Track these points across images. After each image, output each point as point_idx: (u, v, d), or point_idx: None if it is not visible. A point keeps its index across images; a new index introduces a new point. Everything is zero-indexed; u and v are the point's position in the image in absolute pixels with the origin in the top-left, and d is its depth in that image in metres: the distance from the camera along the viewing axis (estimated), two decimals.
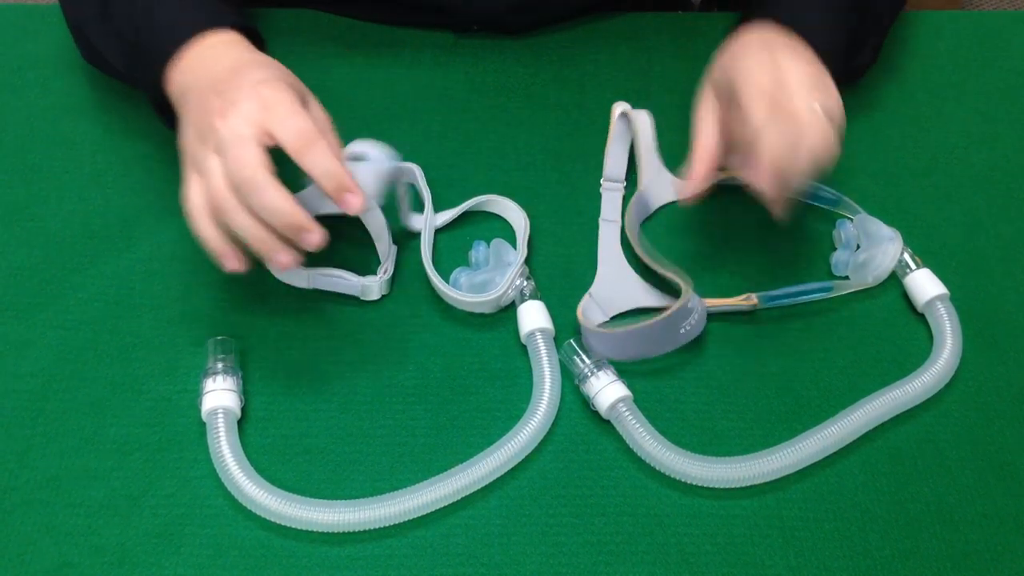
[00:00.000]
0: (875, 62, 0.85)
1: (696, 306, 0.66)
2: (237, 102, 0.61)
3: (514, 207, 0.74)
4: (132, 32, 0.72)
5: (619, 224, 0.74)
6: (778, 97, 0.65)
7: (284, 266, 0.61)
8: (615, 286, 0.70)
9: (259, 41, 0.73)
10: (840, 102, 0.67)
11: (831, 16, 0.76)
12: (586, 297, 0.69)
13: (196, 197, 0.62)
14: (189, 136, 0.64)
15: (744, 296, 0.69)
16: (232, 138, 0.60)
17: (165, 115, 0.71)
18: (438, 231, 0.74)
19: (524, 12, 0.87)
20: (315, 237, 0.60)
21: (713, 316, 0.70)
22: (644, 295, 0.70)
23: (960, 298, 0.71)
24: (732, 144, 0.69)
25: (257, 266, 0.72)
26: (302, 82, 0.67)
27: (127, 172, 0.78)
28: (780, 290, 0.70)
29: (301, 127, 0.60)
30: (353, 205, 0.62)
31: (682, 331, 0.66)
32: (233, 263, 0.61)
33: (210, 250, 0.61)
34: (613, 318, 0.69)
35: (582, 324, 0.67)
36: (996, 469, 0.64)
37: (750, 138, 0.64)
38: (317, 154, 0.60)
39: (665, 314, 0.65)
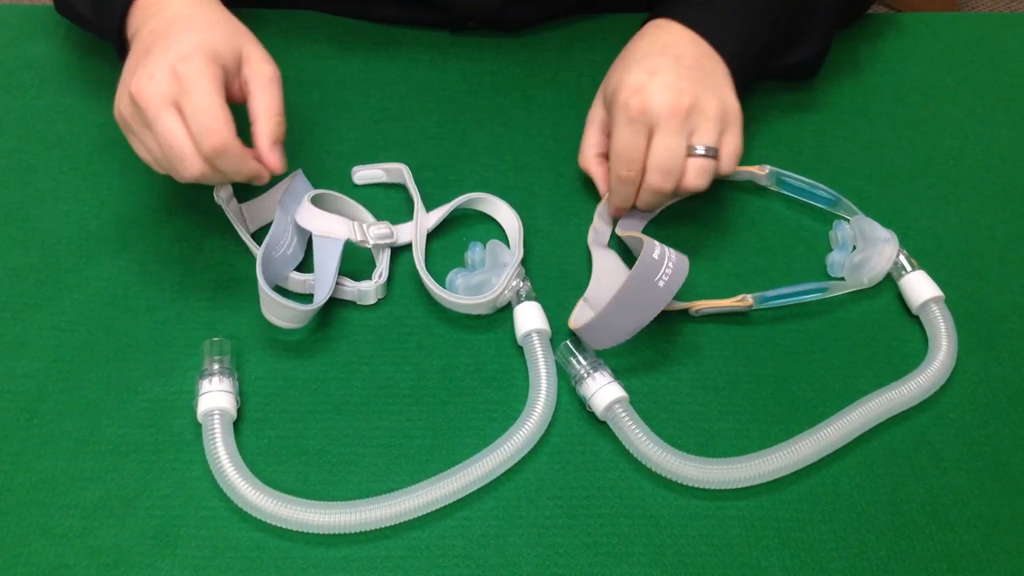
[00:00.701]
0: (825, 55, 0.82)
1: (664, 255, 0.64)
2: (154, 76, 0.62)
3: (505, 207, 0.74)
4: None
5: (610, 229, 0.74)
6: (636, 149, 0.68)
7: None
8: (611, 285, 0.70)
9: None
10: (709, 126, 0.69)
11: (740, 15, 0.75)
12: (580, 303, 0.69)
13: (146, 156, 0.65)
14: (120, 93, 0.65)
15: (739, 297, 0.69)
16: (158, 127, 0.61)
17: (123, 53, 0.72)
18: (432, 233, 0.74)
19: (521, 6, 0.87)
20: (263, 178, 0.66)
21: (709, 317, 0.70)
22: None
23: (955, 299, 0.71)
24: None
25: (254, 269, 0.72)
26: (240, 34, 0.67)
27: (123, 173, 0.78)
28: (775, 290, 0.70)
29: (210, 127, 0.61)
30: (262, 181, 0.66)
31: (661, 283, 0.63)
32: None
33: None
34: None
35: (573, 329, 0.67)
36: (991, 470, 0.64)
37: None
38: (224, 161, 0.62)
39: (632, 271, 0.63)
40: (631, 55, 0.73)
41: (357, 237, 0.70)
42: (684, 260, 0.65)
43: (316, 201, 0.72)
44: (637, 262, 0.63)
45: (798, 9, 0.78)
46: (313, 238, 0.70)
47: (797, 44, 0.80)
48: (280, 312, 0.66)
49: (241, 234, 0.71)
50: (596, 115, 0.76)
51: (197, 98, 0.61)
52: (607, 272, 0.71)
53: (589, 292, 0.70)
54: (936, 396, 0.67)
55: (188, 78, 0.62)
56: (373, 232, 0.71)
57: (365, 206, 0.75)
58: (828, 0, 0.80)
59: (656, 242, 0.65)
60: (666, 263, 0.63)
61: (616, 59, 0.75)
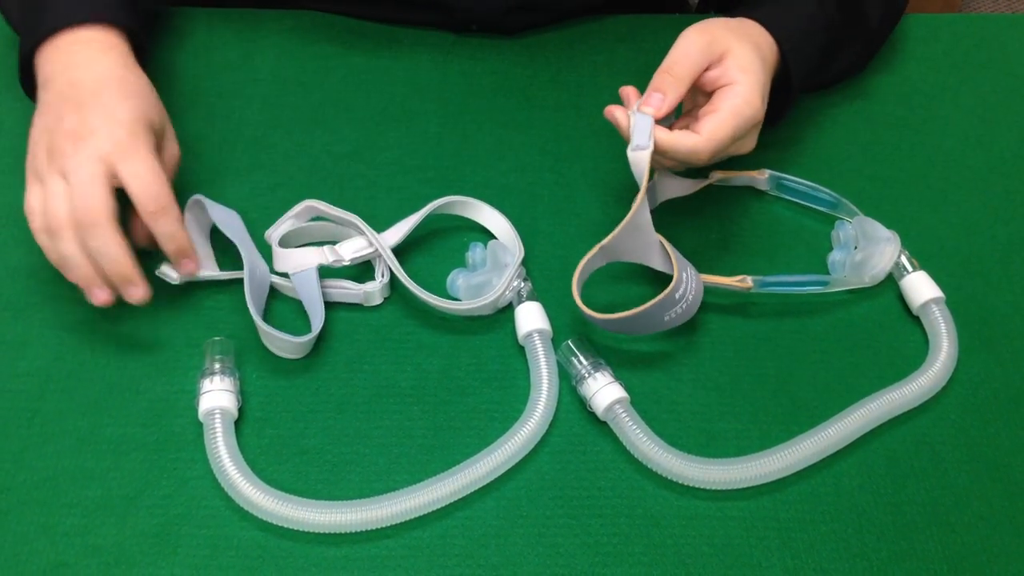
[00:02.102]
0: (854, 72, 0.86)
1: (685, 295, 0.65)
2: (95, 132, 0.63)
3: (487, 208, 0.74)
4: None
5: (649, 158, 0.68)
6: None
7: (101, 303, 0.64)
8: (633, 249, 0.69)
9: (143, 43, 0.73)
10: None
11: (809, 35, 0.77)
12: (596, 249, 0.67)
13: (37, 206, 0.64)
14: (38, 140, 0.66)
15: (739, 278, 0.69)
16: (81, 173, 0.62)
17: (27, 80, 0.72)
18: (432, 234, 0.74)
19: (524, 12, 0.87)
20: (139, 292, 0.64)
21: (710, 319, 0.70)
22: (657, 258, 0.69)
23: (956, 300, 0.71)
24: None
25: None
26: (163, 109, 0.69)
27: None
28: (776, 276, 0.70)
29: (156, 192, 0.63)
30: (188, 269, 0.67)
31: (666, 319, 0.65)
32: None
33: (51, 261, 0.64)
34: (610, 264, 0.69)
35: (575, 286, 0.66)
36: (992, 471, 0.64)
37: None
38: (165, 221, 0.64)
39: (646, 306, 0.64)
40: (748, 51, 0.70)
41: (329, 259, 0.69)
42: (698, 299, 0.66)
43: (293, 235, 0.72)
44: (661, 296, 0.64)
45: (843, 29, 0.80)
46: (291, 275, 0.70)
47: (834, 58, 0.82)
48: (280, 344, 0.66)
49: (235, 275, 0.70)
50: (699, 46, 0.69)
51: (140, 165, 0.63)
52: (636, 228, 0.67)
53: (610, 242, 0.67)
54: (937, 397, 0.67)
55: (128, 143, 0.63)
56: (348, 249, 0.70)
57: (361, 215, 0.72)
58: (871, 25, 0.82)
59: (684, 277, 0.65)
60: (681, 302, 0.65)
61: (728, 29, 0.71)
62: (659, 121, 0.67)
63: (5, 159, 0.79)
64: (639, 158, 0.66)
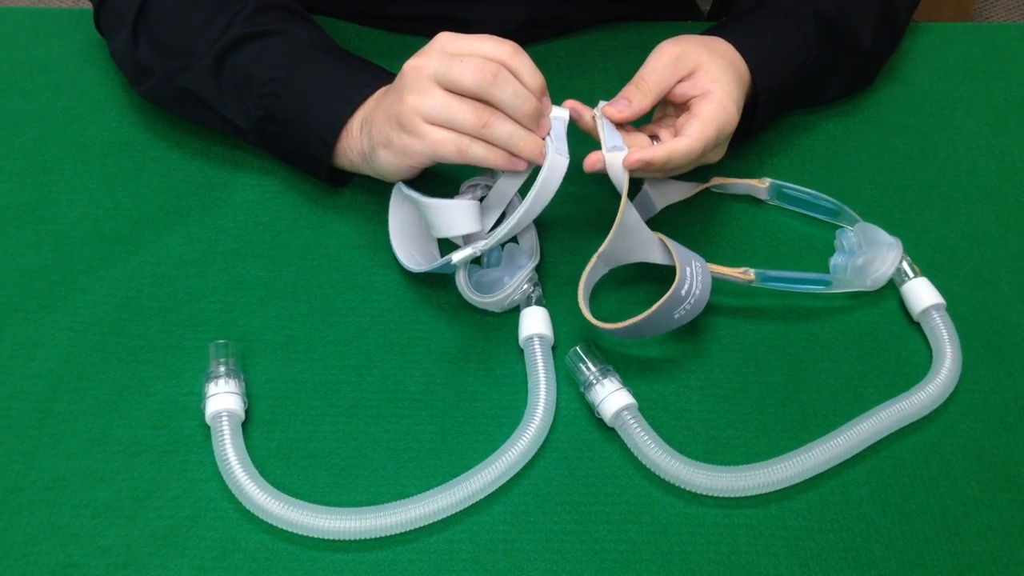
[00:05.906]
0: (852, 92, 0.86)
1: (692, 290, 0.65)
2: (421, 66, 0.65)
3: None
4: (295, 112, 0.72)
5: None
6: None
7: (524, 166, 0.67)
8: (628, 249, 0.69)
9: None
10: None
11: (785, 64, 0.77)
12: (594, 259, 0.68)
13: (445, 136, 0.64)
14: (388, 117, 0.67)
15: (742, 270, 0.69)
16: (447, 58, 0.64)
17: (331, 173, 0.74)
18: None
19: (535, 27, 0.87)
20: (547, 122, 0.68)
21: (719, 326, 0.70)
22: (657, 252, 0.69)
23: (966, 309, 0.71)
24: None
25: (270, 270, 0.72)
26: None
27: (137, 175, 0.78)
28: (778, 272, 0.70)
29: (487, 52, 0.65)
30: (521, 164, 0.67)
31: (676, 316, 0.65)
32: (521, 161, 0.67)
33: (497, 162, 0.66)
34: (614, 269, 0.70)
35: (581, 299, 0.66)
36: (1001, 481, 0.64)
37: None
38: (506, 82, 0.65)
39: (652, 309, 0.64)
40: (720, 65, 0.72)
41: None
42: (707, 291, 0.66)
43: None
44: (666, 297, 0.64)
45: (829, 54, 0.80)
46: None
47: (825, 84, 0.83)
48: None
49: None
50: (669, 59, 0.71)
51: (469, 47, 0.65)
52: (627, 229, 0.68)
53: (606, 248, 0.68)
54: (947, 406, 0.67)
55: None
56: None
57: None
58: (863, 47, 0.82)
59: (687, 273, 0.65)
60: (688, 298, 0.65)
61: (702, 45, 0.73)
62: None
63: (16, 160, 0.79)
64: (615, 158, 0.67)
